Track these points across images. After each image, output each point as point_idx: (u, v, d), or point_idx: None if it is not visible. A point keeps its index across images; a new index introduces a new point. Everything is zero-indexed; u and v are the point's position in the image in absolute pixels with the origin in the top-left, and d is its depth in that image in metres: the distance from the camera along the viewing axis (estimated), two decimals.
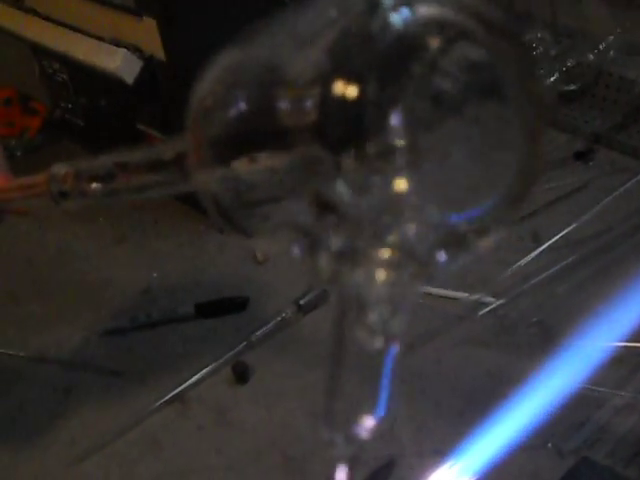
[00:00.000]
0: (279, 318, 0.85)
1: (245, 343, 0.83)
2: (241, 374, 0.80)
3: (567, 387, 0.68)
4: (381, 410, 0.34)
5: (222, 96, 0.33)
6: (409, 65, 0.28)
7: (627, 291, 0.70)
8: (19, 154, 1.23)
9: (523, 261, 0.87)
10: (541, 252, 0.88)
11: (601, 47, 1.07)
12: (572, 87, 1.09)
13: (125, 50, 0.91)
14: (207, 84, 0.34)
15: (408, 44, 0.28)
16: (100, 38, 0.96)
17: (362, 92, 0.27)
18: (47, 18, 1.05)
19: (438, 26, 0.29)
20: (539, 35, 1.13)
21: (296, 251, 0.33)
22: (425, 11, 0.28)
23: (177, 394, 0.79)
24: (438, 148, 0.30)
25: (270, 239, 0.35)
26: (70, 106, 1.18)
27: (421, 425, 0.73)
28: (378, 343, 0.33)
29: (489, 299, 0.82)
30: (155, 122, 1.01)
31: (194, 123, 0.34)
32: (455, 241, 0.32)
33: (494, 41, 0.29)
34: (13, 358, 0.86)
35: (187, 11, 0.89)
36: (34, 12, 1.08)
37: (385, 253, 0.31)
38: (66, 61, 1.06)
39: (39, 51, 1.15)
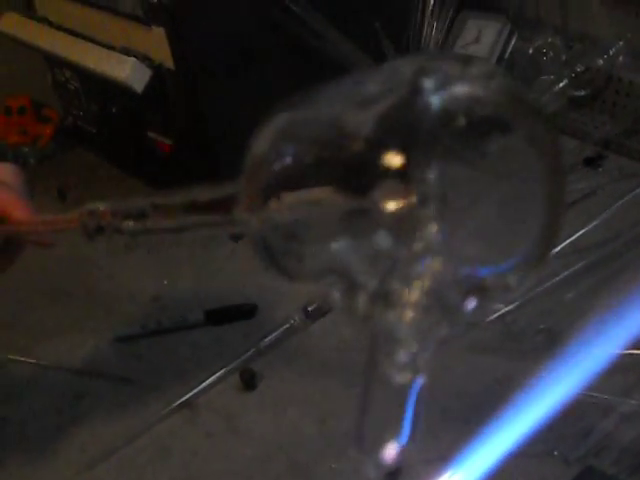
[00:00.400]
0: (287, 325, 0.85)
1: (254, 350, 0.84)
2: (249, 381, 0.80)
3: (574, 394, 0.68)
4: (404, 439, 0.37)
5: (281, 149, 0.38)
6: (446, 137, 0.33)
7: (635, 298, 0.70)
8: (32, 162, 1.24)
9: None
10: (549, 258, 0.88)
11: (611, 52, 1.07)
12: (582, 92, 1.08)
13: (134, 59, 0.92)
14: (264, 140, 0.38)
15: (446, 119, 0.32)
16: (111, 47, 0.97)
17: (407, 163, 0.32)
18: (59, 27, 1.06)
19: (474, 104, 0.33)
20: (549, 40, 1.13)
21: (336, 295, 0.36)
22: (462, 91, 0.33)
23: (185, 401, 0.80)
24: (469, 204, 0.35)
25: (312, 282, 0.38)
26: (82, 114, 1.20)
27: (428, 432, 0.73)
28: (403, 378, 0.37)
29: (497, 306, 0.82)
30: (165, 130, 1.02)
31: (251, 173, 0.38)
32: (479, 292, 0.35)
33: (525, 122, 0.34)
34: (25, 365, 0.87)
35: (195, 20, 0.90)
36: (46, 21, 1.09)
37: (414, 296, 0.34)
38: (77, 69, 1.07)
39: (51, 59, 1.16)
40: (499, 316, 0.81)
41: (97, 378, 0.85)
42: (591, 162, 1.03)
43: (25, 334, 0.91)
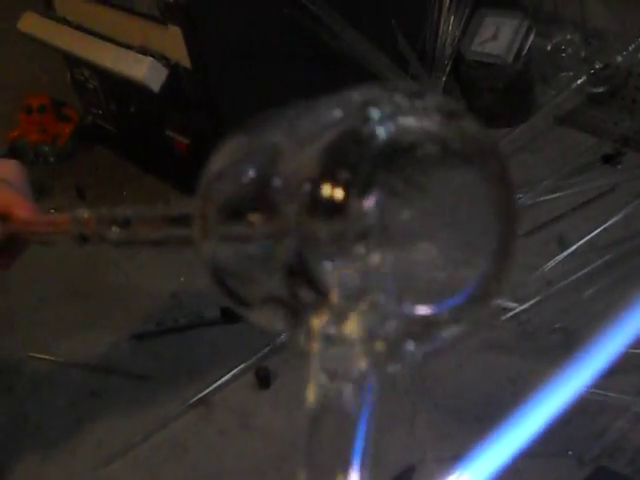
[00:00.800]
0: None
1: (269, 348, 0.84)
2: (263, 379, 0.81)
3: (588, 394, 0.67)
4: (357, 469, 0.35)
5: (226, 173, 0.37)
6: (390, 169, 0.32)
7: None
8: (52, 160, 1.26)
9: (548, 266, 0.87)
10: (566, 257, 0.88)
11: (630, 49, 1.06)
12: (600, 89, 1.08)
13: (151, 58, 0.93)
14: (215, 162, 0.38)
15: (392, 150, 0.32)
16: (128, 46, 0.98)
17: (346, 195, 0.31)
18: (78, 27, 1.07)
19: (421, 137, 0.32)
20: (568, 37, 1.12)
21: (280, 325, 0.36)
22: (410, 123, 0.32)
23: (201, 398, 0.81)
24: (413, 237, 0.33)
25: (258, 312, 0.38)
26: (101, 112, 1.20)
27: (441, 430, 0.73)
28: (350, 409, 0.35)
29: (512, 304, 0.82)
30: (182, 129, 1.03)
31: (202, 195, 0.38)
32: (424, 329, 0.34)
33: (474, 156, 0.33)
34: (43, 362, 0.88)
35: (211, 19, 0.90)
36: (65, 21, 1.10)
37: (355, 331, 0.33)
38: (96, 69, 1.08)
39: (70, 59, 1.17)
40: (514, 315, 0.81)
41: (114, 375, 0.86)
42: (610, 159, 1.02)
43: (43, 331, 0.92)
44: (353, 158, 0.31)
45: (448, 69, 1.08)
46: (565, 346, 0.77)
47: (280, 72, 0.97)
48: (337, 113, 0.33)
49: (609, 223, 0.91)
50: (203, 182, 0.38)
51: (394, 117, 0.32)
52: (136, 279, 0.99)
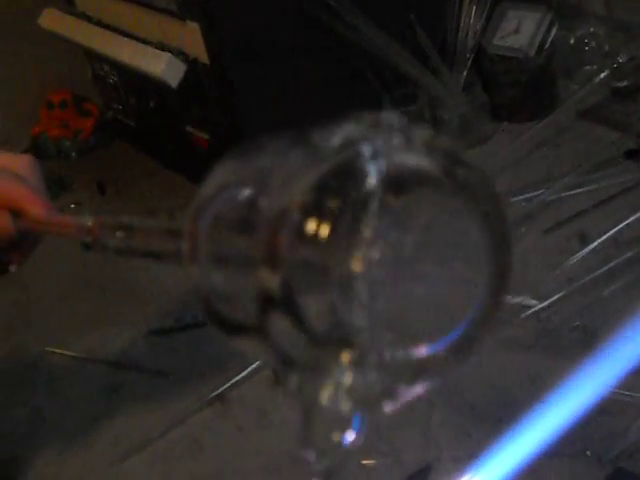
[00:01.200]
0: None
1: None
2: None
3: (608, 393, 0.66)
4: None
5: (215, 198, 0.37)
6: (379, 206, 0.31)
7: None
8: (74, 155, 1.26)
9: (568, 263, 0.86)
10: (587, 253, 0.86)
11: None
12: (624, 83, 1.06)
13: (169, 54, 0.92)
14: (206, 186, 0.37)
15: (382, 188, 0.31)
16: (147, 42, 0.98)
17: (332, 230, 0.30)
18: (98, 23, 1.07)
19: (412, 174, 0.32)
20: (591, 30, 1.11)
21: (266, 361, 0.35)
22: (401, 160, 0.31)
23: (218, 394, 0.80)
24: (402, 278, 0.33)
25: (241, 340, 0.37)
26: (121, 107, 1.21)
27: (458, 429, 0.72)
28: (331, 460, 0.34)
29: (532, 302, 0.81)
30: (202, 125, 1.03)
31: (191, 217, 0.37)
32: (416, 371, 0.33)
33: (467, 195, 0.32)
34: (61, 357, 0.89)
35: (229, 14, 0.90)
36: (85, 17, 1.10)
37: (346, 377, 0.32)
38: (115, 64, 1.08)
39: (91, 54, 1.17)
40: (534, 312, 0.80)
41: (132, 371, 0.86)
42: (633, 155, 1.01)
43: (62, 327, 0.93)
44: (342, 193, 0.30)
45: (469, 63, 1.07)
46: (585, 344, 0.76)
47: (298, 67, 0.97)
48: (329, 146, 0.32)
49: (631, 219, 0.90)
50: (193, 205, 0.37)
51: (385, 153, 0.31)
52: (155, 275, 0.99)
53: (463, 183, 0.32)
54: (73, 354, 0.89)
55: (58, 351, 0.89)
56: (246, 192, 0.35)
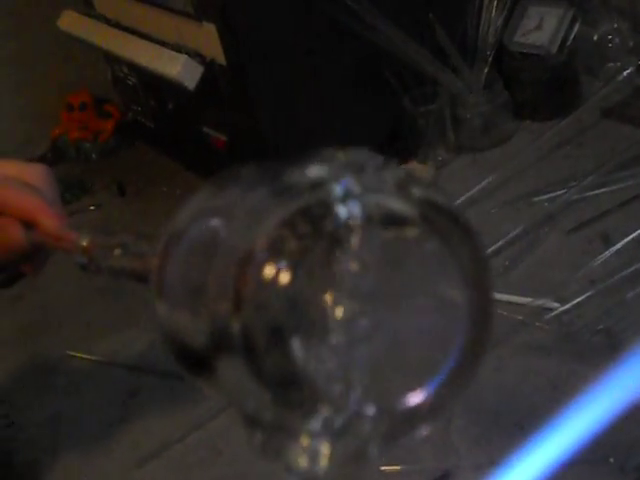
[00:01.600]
0: None
1: None
2: None
3: (632, 399, 0.65)
4: None
5: (181, 233, 0.36)
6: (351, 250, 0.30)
7: None
8: (94, 157, 1.26)
9: (591, 264, 0.84)
10: (611, 255, 0.85)
11: None
12: None
13: (186, 56, 0.92)
14: (175, 219, 0.37)
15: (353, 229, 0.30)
16: (164, 43, 0.97)
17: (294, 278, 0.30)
18: (116, 24, 1.07)
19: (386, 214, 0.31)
20: (615, 25, 1.09)
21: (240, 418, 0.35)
22: (373, 201, 0.30)
23: None
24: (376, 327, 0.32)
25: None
26: (141, 109, 1.21)
27: (478, 436, 0.71)
28: None
29: (554, 304, 0.80)
30: (219, 126, 1.02)
31: (159, 252, 0.37)
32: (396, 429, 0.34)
33: (444, 237, 0.31)
34: (81, 361, 0.89)
35: (246, 15, 0.89)
36: (104, 19, 1.10)
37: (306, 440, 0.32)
38: (133, 66, 1.08)
39: (110, 56, 1.17)
40: (555, 315, 0.79)
41: (151, 375, 0.86)
42: None
43: (81, 331, 0.93)
44: (310, 233, 0.30)
45: (490, 61, 1.05)
46: (609, 348, 0.75)
47: (315, 67, 0.96)
48: (300, 185, 0.31)
49: None
50: (162, 238, 0.37)
51: (356, 195, 0.30)
52: None
53: (437, 226, 0.31)
54: (93, 358, 0.89)
55: (78, 355, 0.89)
56: (213, 223, 0.34)
